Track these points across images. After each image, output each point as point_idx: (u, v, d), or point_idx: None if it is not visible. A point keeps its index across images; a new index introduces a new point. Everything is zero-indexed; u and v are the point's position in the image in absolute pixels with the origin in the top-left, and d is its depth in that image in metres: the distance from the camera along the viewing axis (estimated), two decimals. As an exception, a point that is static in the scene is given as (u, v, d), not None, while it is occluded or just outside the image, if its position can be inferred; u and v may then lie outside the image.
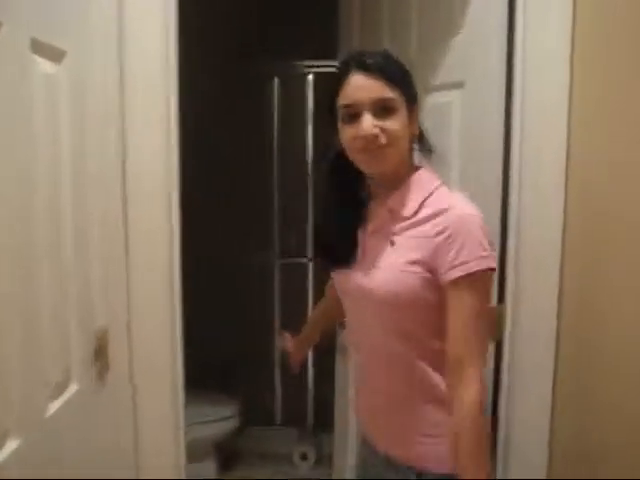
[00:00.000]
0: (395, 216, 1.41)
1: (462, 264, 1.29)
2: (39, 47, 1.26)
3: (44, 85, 1.30)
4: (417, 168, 1.45)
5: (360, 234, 1.49)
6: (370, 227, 1.47)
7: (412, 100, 1.40)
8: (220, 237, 3.59)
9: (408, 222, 1.39)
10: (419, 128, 1.45)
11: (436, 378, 1.39)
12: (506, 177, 1.87)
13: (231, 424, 3.21)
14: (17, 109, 1.18)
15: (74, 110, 1.42)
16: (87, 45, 1.51)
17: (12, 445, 1.16)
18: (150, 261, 1.80)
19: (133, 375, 1.79)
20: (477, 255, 1.29)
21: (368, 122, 1.34)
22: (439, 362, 1.35)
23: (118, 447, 1.72)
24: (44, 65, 1.30)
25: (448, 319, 1.31)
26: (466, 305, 1.30)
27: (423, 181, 1.42)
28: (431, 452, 1.40)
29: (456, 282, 1.30)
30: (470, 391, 1.28)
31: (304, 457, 3.55)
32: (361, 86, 1.35)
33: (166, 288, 1.84)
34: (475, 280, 1.29)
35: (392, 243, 1.40)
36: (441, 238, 1.31)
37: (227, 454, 3.41)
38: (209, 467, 3.18)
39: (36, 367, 1.26)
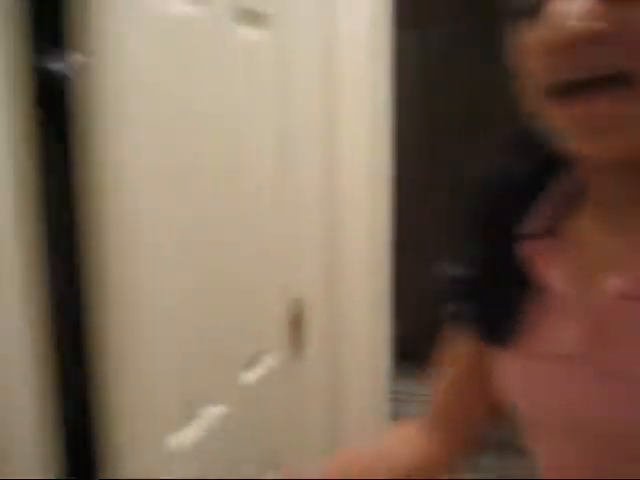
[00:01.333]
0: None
1: None
2: (242, 13, 1.25)
3: (247, 54, 1.28)
4: None
5: (582, 296, 0.59)
6: (622, 282, 0.56)
7: None
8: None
9: None
10: None
11: None
12: None
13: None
14: (220, 80, 1.20)
15: (279, 78, 1.40)
16: (294, 8, 1.46)
17: (215, 411, 1.22)
18: (357, 232, 1.74)
19: (336, 348, 1.74)
20: None
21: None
22: None
23: (318, 421, 1.69)
24: (247, 32, 1.28)
25: None
26: None
27: None
28: None
29: None
30: None
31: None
32: None
33: (375, 259, 1.77)
34: None
35: None
36: None
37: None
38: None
39: (229, 337, 1.28)
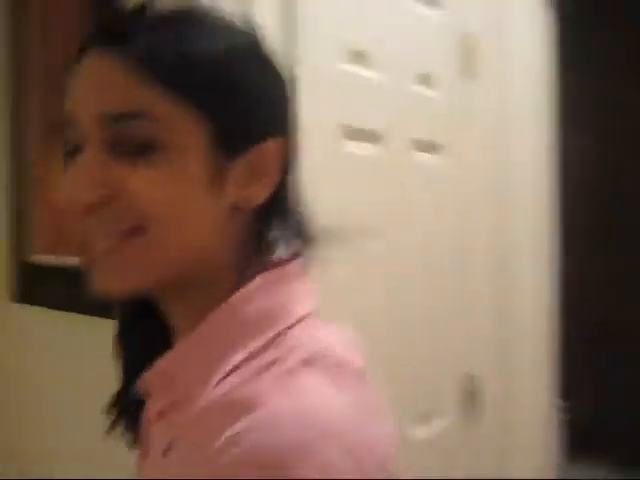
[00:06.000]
0: (172, 395, 0.60)
1: None
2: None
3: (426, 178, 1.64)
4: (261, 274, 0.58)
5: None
6: (157, 403, 0.62)
7: (242, 128, 0.57)
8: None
9: (192, 412, 0.55)
10: (282, 195, 0.61)
11: None
12: None
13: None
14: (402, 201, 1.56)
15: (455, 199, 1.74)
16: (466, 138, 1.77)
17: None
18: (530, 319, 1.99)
19: (507, 427, 1.93)
20: None
21: (82, 167, 0.54)
22: None
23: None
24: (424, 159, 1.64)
25: None
26: None
27: (247, 315, 0.56)
28: None
29: None
30: None
31: None
32: (85, 82, 0.55)
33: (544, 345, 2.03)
34: None
35: (167, 449, 0.57)
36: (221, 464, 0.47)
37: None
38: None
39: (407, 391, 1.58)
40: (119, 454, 0.78)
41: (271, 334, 0.55)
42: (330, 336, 0.57)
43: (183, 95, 0.53)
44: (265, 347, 0.54)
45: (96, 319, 1.38)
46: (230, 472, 0.45)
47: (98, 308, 1.36)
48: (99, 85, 0.53)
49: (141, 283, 0.56)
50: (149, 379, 0.61)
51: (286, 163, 0.59)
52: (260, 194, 0.58)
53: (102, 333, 1.38)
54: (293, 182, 0.62)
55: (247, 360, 0.53)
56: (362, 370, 0.56)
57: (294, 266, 0.60)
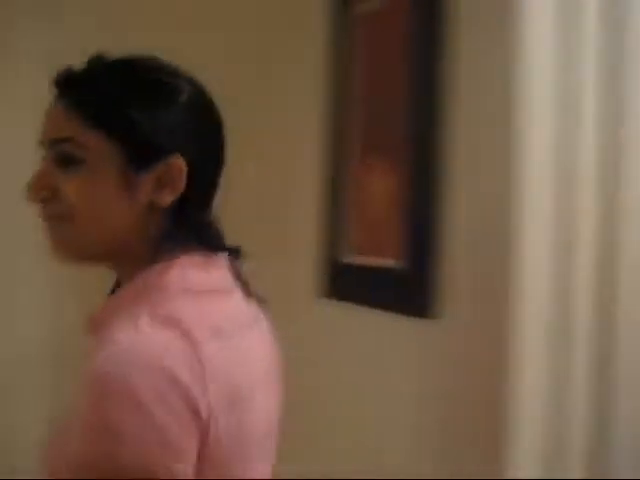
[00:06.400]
0: (97, 337, 0.81)
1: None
2: None
3: None
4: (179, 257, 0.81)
5: None
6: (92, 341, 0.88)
7: (146, 151, 0.80)
8: None
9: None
10: (188, 203, 0.82)
11: None
12: None
13: None
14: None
15: None
16: None
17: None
18: None
19: None
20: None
21: (35, 174, 0.82)
22: None
23: None
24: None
25: None
26: None
27: (150, 284, 0.79)
28: None
29: None
30: None
31: None
32: (47, 117, 0.84)
33: None
34: None
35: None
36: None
37: None
38: None
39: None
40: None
41: (160, 298, 0.75)
42: (202, 311, 0.76)
43: (98, 128, 0.78)
44: (154, 306, 0.74)
45: (400, 316, 1.47)
46: (86, 389, 0.68)
47: (402, 306, 1.46)
48: (50, 121, 0.82)
49: (76, 255, 0.84)
50: (90, 322, 0.84)
51: (194, 178, 0.80)
52: (166, 198, 0.80)
53: (403, 329, 1.48)
54: (207, 195, 0.85)
55: (144, 314, 0.73)
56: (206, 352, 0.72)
57: (204, 257, 0.81)
